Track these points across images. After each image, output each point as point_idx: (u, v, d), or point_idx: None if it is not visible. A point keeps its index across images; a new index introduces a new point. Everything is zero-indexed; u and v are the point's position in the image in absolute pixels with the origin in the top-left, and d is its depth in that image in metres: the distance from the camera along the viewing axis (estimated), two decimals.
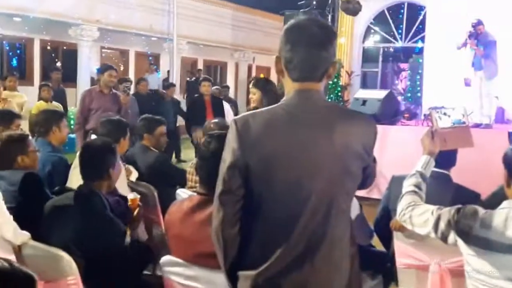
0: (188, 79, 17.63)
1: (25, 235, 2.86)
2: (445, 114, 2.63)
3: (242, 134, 1.91)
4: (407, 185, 2.48)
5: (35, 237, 2.89)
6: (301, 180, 1.89)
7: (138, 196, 3.08)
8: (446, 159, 3.25)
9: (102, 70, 7.13)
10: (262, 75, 13.37)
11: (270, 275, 1.92)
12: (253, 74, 22.64)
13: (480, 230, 2.08)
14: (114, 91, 7.04)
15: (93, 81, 12.94)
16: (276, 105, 2.00)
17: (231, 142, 1.93)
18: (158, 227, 3.78)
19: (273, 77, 23.59)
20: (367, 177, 2.10)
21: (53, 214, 2.95)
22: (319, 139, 1.90)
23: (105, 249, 2.77)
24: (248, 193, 1.94)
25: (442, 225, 2.19)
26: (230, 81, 21.31)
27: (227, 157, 1.94)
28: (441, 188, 3.23)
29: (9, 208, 3.18)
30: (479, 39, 8.49)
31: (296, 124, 1.91)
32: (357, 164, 1.96)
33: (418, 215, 2.31)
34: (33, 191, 3.25)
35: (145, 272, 3.32)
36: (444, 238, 2.20)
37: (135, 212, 3.03)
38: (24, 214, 3.14)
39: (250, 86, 5.46)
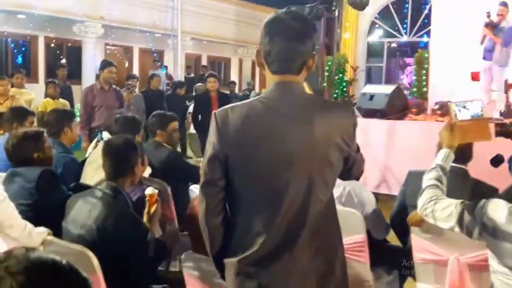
0: (186, 75, 17.56)
1: (42, 233, 2.86)
2: (464, 107, 2.61)
3: (221, 127, 1.96)
4: (428, 179, 2.46)
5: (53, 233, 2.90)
6: (279, 171, 1.93)
7: (156, 191, 3.06)
8: (463, 153, 3.24)
9: (101, 66, 7.09)
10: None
11: (251, 262, 1.97)
12: (257, 69, 22.63)
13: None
14: (114, 87, 7.04)
15: (97, 78, 12.87)
16: (255, 97, 2.05)
17: (211, 135, 1.99)
18: (171, 223, 3.78)
19: None
20: (351, 167, 2.12)
21: (75, 211, 2.93)
22: (297, 130, 1.93)
23: (126, 248, 2.76)
24: (229, 184, 2.00)
25: (467, 219, 2.17)
26: (233, 77, 21.30)
27: (208, 149, 2.00)
28: (459, 183, 3.22)
29: (26, 205, 3.19)
30: (498, 26, 8.38)
31: (274, 116, 1.94)
32: (336, 155, 1.99)
33: (441, 209, 2.29)
34: (49, 187, 3.23)
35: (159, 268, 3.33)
36: (469, 233, 2.18)
37: (153, 208, 3.00)
38: (41, 211, 3.15)
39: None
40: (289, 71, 1.98)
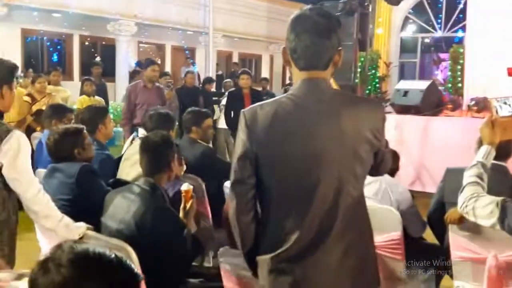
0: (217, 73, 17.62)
1: (81, 227, 2.90)
2: (505, 103, 2.56)
3: (250, 125, 1.97)
4: (468, 176, 2.42)
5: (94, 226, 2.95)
6: (309, 167, 1.93)
7: (191, 187, 3.08)
8: (502, 150, 3.18)
9: (145, 65, 7.28)
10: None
11: (285, 259, 1.98)
12: None
13: None
14: (157, 85, 7.14)
15: (131, 75, 13.03)
16: (283, 95, 2.05)
17: (240, 133, 2.00)
18: (206, 219, 3.80)
19: None
20: (380, 162, 2.10)
21: (113, 206, 2.98)
22: (326, 126, 1.93)
23: (164, 242, 2.80)
24: (259, 181, 2.00)
25: (508, 216, 2.14)
26: (264, 73, 21.31)
27: (237, 148, 2.01)
28: (499, 180, 3.15)
29: (66, 200, 3.25)
30: None
31: (303, 113, 1.95)
32: (366, 149, 1.98)
33: (482, 206, 2.26)
34: (89, 183, 3.29)
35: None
36: (511, 230, 2.15)
37: (189, 203, 3.03)
38: (80, 206, 3.20)
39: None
40: (316, 67, 1.98)
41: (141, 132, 5.20)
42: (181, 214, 3.01)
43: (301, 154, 1.93)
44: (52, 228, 2.82)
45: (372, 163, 2.04)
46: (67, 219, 2.86)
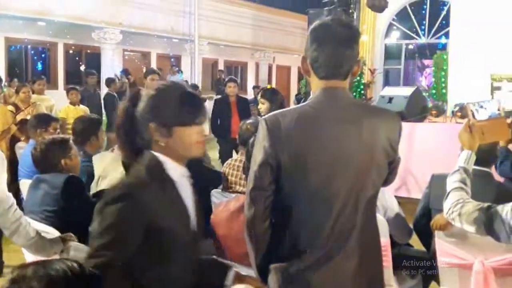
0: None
1: (56, 246, 2.81)
2: (481, 107, 2.59)
3: (272, 132, 1.96)
4: (452, 181, 2.42)
5: (78, 238, 2.92)
6: (331, 174, 1.95)
7: None
8: (486, 155, 3.20)
9: (145, 74, 7.33)
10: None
11: (302, 267, 1.97)
12: (274, 73, 22.65)
13: None
14: None
15: (106, 84, 12.88)
16: (304, 103, 2.07)
17: (261, 140, 1.99)
18: None
19: (294, 75, 23.64)
20: (391, 172, 2.14)
21: None
22: (347, 134, 1.96)
23: None
24: (279, 188, 2.00)
25: (494, 222, 2.15)
26: (250, 81, 21.35)
27: (257, 154, 2.00)
28: (483, 186, 3.17)
29: (51, 211, 3.22)
30: None
31: (324, 120, 1.97)
32: (384, 158, 2.02)
33: (467, 212, 2.26)
34: (75, 194, 3.26)
35: None
36: (497, 236, 2.16)
37: None
38: (66, 217, 3.18)
39: (259, 97, 5.79)
40: (336, 77, 2.01)
41: None
42: None
43: (323, 161, 1.95)
44: (23, 246, 2.77)
45: (387, 172, 2.09)
46: (38, 239, 2.76)
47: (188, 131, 1.92)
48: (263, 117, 2.04)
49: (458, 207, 2.31)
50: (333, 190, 1.95)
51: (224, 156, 7.56)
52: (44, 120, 4.81)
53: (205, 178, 4.45)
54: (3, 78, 9.24)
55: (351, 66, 2.02)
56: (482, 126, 2.46)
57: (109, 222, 1.75)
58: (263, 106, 5.61)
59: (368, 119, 2.00)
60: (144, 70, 16.51)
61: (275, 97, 5.69)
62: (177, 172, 1.97)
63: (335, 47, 1.97)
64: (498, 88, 8.77)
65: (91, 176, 3.95)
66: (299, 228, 1.99)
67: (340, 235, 1.97)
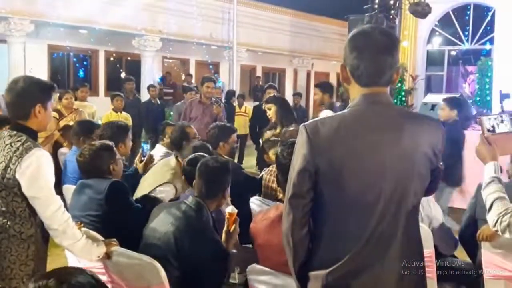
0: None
1: (100, 249, 2.82)
2: (502, 121, 2.57)
3: (312, 139, 1.96)
4: (491, 192, 2.37)
5: (121, 244, 2.92)
6: (371, 182, 1.94)
7: (236, 210, 3.04)
8: None
9: (201, 82, 7.58)
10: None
11: (341, 275, 1.97)
12: (312, 80, 22.56)
13: None
14: (213, 100, 7.41)
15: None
16: (344, 110, 2.07)
17: (301, 147, 1.99)
18: None
19: (332, 82, 23.51)
20: (434, 179, 2.12)
21: (157, 220, 2.96)
22: (388, 142, 1.95)
23: (200, 264, 2.77)
24: (318, 196, 2.00)
25: None
26: (288, 88, 21.32)
27: (297, 161, 2.00)
28: None
29: (95, 216, 3.24)
30: None
31: (364, 128, 1.96)
32: (426, 166, 2.00)
33: None
34: (119, 199, 3.28)
35: None
36: None
37: (233, 227, 2.99)
38: (110, 222, 3.19)
39: (265, 105, 6.08)
40: (378, 83, 2.01)
41: (159, 148, 5.24)
42: (223, 237, 2.98)
43: (363, 169, 1.94)
44: (69, 247, 2.79)
45: (429, 180, 2.06)
46: (84, 241, 2.78)
47: None
48: (303, 124, 2.03)
49: (507, 217, 2.24)
50: (372, 198, 1.94)
51: (262, 162, 7.58)
52: (88, 128, 4.86)
53: (244, 185, 4.43)
54: None
55: (391, 74, 2.02)
56: (496, 139, 2.45)
57: None
58: (269, 111, 5.88)
59: (409, 126, 1.98)
60: (183, 77, 16.84)
61: (283, 102, 6.07)
62: None
63: (375, 55, 1.98)
64: None
65: (127, 179, 4.03)
66: (337, 236, 1.99)
67: (380, 243, 1.95)
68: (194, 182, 3.12)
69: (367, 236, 1.94)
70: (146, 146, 5.01)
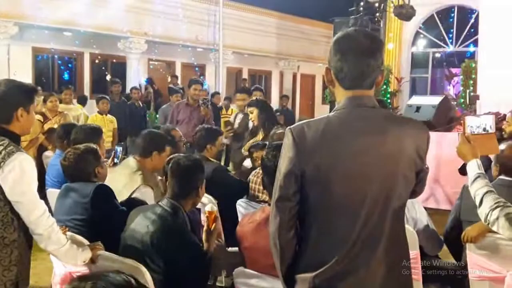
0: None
1: (85, 254, 2.80)
2: (485, 125, 2.66)
3: (298, 142, 1.96)
4: (479, 188, 2.44)
5: (106, 247, 2.90)
6: (356, 185, 1.94)
7: (216, 209, 3.02)
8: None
9: (188, 84, 7.61)
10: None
11: (328, 277, 1.96)
12: (298, 82, 22.61)
13: None
14: (200, 103, 7.42)
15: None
16: (329, 113, 2.07)
17: (287, 150, 1.99)
18: (219, 238, 3.76)
19: (318, 84, 23.58)
20: (418, 183, 2.12)
21: (134, 225, 2.93)
22: (373, 144, 1.95)
23: (179, 266, 2.76)
24: (304, 199, 1.99)
25: None
26: (274, 90, 21.34)
27: (283, 164, 2.00)
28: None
29: (80, 220, 3.22)
30: None
31: (350, 131, 1.97)
32: (411, 168, 2.01)
33: (507, 217, 2.24)
34: (104, 203, 3.26)
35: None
36: None
37: (213, 226, 2.95)
38: (95, 226, 3.17)
39: (247, 108, 6.10)
40: (361, 86, 2.01)
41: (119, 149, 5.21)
42: (203, 237, 2.95)
43: (348, 172, 1.94)
44: (53, 252, 2.76)
45: (415, 182, 2.07)
46: (69, 246, 2.75)
47: None
48: (289, 127, 2.03)
49: (498, 210, 2.29)
50: (357, 201, 1.94)
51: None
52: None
53: (230, 187, 4.42)
54: None
55: (375, 76, 2.02)
56: (475, 139, 2.55)
57: None
58: (251, 114, 5.90)
59: (394, 128, 1.99)
60: (169, 79, 16.76)
61: (265, 105, 6.06)
62: None
63: (359, 58, 1.98)
64: None
65: None
66: (324, 239, 1.99)
67: (366, 246, 1.96)
68: (167, 182, 3.07)
69: (354, 239, 1.94)
70: (119, 149, 4.98)
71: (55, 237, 2.69)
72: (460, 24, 14.56)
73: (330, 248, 1.97)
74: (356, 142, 1.95)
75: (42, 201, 2.75)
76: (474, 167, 2.50)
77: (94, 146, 3.54)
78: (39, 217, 2.65)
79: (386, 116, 2.07)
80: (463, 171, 4.94)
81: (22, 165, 2.63)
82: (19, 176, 2.61)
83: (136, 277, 1.39)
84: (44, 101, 7.60)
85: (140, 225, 2.87)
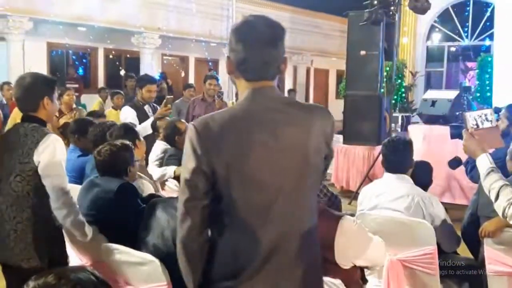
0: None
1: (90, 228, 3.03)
2: (487, 119, 2.67)
3: (203, 137, 1.85)
4: (493, 182, 2.42)
5: (124, 243, 2.89)
6: (266, 178, 1.86)
7: None
8: None
9: (204, 79, 7.59)
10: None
11: (242, 280, 1.87)
12: (311, 76, 22.54)
13: None
14: (216, 98, 7.43)
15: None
16: (233, 106, 2.00)
17: (192, 146, 1.86)
18: None
19: (332, 79, 23.51)
20: (325, 169, 2.09)
21: (153, 220, 2.89)
22: (279, 135, 1.87)
23: None
24: (215, 198, 1.88)
25: None
26: (288, 84, 21.30)
27: (189, 161, 1.86)
28: None
29: (101, 214, 3.21)
30: None
31: (255, 123, 1.88)
32: (319, 155, 1.96)
33: None
34: (127, 200, 3.20)
35: None
36: None
37: None
38: (114, 222, 3.13)
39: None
40: (265, 78, 1.94)
41: (159, 144, 5.24)
42: None
43: (258, 165, 1.85)
44: (62, 219, 2.95)
45: (323, 168, 2.04)
46: (84, 221, 3.01)
47: None
48: (192, 122, 1.91)
49: None
50: (269, 196, 1.86)
51: None
52: (83, 126, 4.69)
53: None
54: None
55: (278, 66, 1.95)
56: (480, 134, 2.56)
57: None
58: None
59: (300, 117, 1.93)
60: (183, 74, 16.81)
61: None
62: None
63: (260, 47, 1.90)
64: None
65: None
66: (239, 241, 1.88)
67: (280, 241, 1.87)
68: None
69: (268, 238, 1.86)
70: None
71: (69, 209, 2.94)
72: (475, 18, 14.40)
73: (246, 249, 1.87)
74: (263, 134, 1.86)
75: (67, 178, 3.05)
76: (485, 161, 2.47)
77: (130, 144, 3.49)
78: (62, 188, 2.94)
79: (291, 105, 1.98)
80: (452, 165, 4.94)
81: (55, 144, 2.95)
82: (52, 153, 2.92)
83: (98, 274, 1.43)
84: (60, 95, 7.60)
85: (159, 220, 2.84)
